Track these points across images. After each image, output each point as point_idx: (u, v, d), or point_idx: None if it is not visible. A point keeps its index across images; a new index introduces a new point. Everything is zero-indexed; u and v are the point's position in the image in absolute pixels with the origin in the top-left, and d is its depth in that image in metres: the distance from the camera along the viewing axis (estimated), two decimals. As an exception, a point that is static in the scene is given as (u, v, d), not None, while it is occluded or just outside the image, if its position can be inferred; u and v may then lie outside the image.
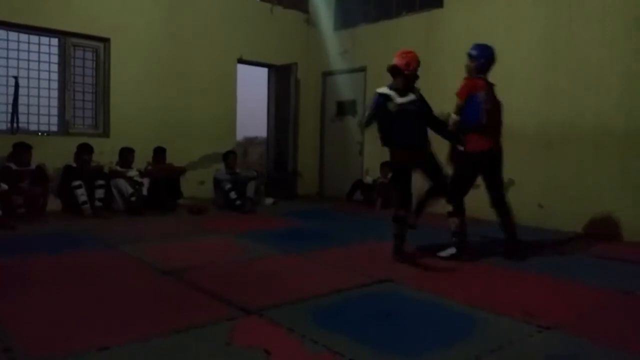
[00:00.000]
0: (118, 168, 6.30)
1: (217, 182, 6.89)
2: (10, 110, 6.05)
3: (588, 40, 5.41)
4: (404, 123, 3.92)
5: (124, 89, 6.65)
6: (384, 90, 3.95)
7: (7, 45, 6.09)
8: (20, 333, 2.34)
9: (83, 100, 6.61)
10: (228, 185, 6.72)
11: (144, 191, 6.31)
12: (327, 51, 8.43)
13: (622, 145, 5.17)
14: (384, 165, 7.32)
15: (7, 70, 6.08)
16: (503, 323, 2.66)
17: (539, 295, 3.24)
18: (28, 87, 6.22)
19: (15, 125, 6.08)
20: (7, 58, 6.08)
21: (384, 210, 6.98)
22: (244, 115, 8.32)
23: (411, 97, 3.96)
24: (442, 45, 6.76)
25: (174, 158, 6.82)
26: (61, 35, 6.32)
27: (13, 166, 5.60)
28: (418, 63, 3.97)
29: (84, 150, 6.06)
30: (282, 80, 8.38)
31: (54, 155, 6.08)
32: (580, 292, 3.34)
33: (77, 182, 5.78)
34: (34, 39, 6.23)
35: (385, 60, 7.43)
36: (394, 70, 3.95)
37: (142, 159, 6.52)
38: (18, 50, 6.15)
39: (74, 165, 6.02)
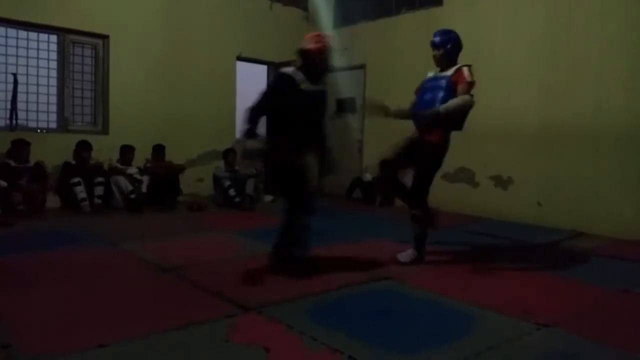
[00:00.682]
0: (118, 165, 6.30)
1: (217, 180, 6.89)
2: (9, 107, 6.04)
3: (588, 38, 5.41)
4: (303, 114, 3.37)
5: (123, 86, 6.64)
6: (289, 71, 3.40)
7: (6, 42, 6.07)
8: (19, 330, 2.34)
9: (82, 97, 6.60)
10: (227, 183, 6.72)
11: (144, 188, 6.30)
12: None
13: (622, 143, 5.17)
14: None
15: (6, 67, 6.06)
16: (501, 321, 2.66)
17: (538, 293, 3.24)
18: (27, 84, 6.21)
19: (14, 121, 6.07)
20: (6, 55, 6.07)
21: (383, 208, 7.00)
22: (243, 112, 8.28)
23: (321, 86, 3.49)
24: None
25: (173, 155, 6.81)
26: (60, 32, 6.30)
27: (12, 163, 5.59)
28: (322, 52, 3.40)
29: (83, 148, 6.05)
30: (281, 78, 8.34)
31: (53, 152, 6.07)
32: (578, 290, 3.34)
33: (76, 179, 5.78)
34: (33, 35, 6.22)
35: (384, 58, 7.51)
36: (302, 54, 3.41)
37: (141, 156, 6.52)
38: (17, 47, 6.14)
39: (73, 162, 6.01)
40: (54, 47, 6.35)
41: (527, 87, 5.92)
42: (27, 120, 6.27)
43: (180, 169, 6.87)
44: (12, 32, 6.08)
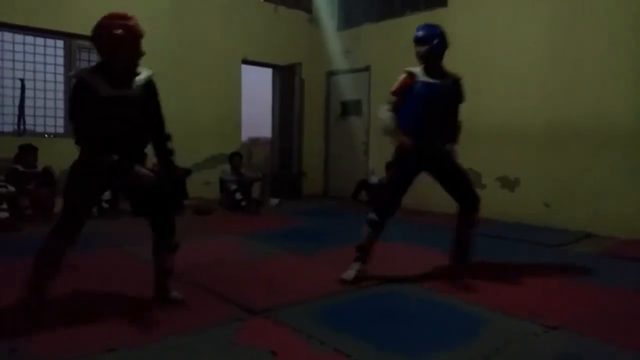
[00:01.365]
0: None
1: (223, 183, 6.91)
2: (16, 112, 6.10)
3: (593, 38, 5.38)
4: (111, 127, 2.59)
5: (129, 90, 6.66)
6: (83, 75, 2.61)
7: (13, 48, 6.13)
8: (27, 333, 2.35)
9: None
10: (233, 186, 6.73)
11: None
12: (331, 51, 8.43)
13: (629, 142, 5.13)
14: (389, 165, 7.32)
15: (14, 72, 6.12)
16: (509, 323, 2.65)
17: (546, 294, 3.22)
18: (34, 89, 6.26)
19: (21, 127, 6.12)
20: (13, 60, 6.12)
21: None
22: (249, 116, 8.32)
23: (128, 91, 2.65)
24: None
25: (179, 159, 6.78)
26: (66, 37, 6.35)
27: (20, 168, 5.62)
28: (138, 36, 2.65)
29: (90, 152, 6.07)
30: (286, 81, 8.38)
31: (61, 157, 6.07)
32: (587, 291, 3.32)
33: (83, 184, 5.80)
34: (40, 41, 6.27)
35: (389, 60, 7.50)
36: (99, 44, 2.62)
37: (148, 160, 6.53)
38: (24, 52, 6.18)
39: (81, 166, 6.04)
40: (60, 52, 6.40)
41: (532, 87, 5.90)
42: (34, 125, 6.32)
43: (187, 172, 6.89)
44: (19, 37, 6.13)
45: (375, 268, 3.75)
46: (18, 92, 6.10)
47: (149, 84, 2.77)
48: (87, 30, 7.00)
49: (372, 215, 3.48)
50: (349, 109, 8.35)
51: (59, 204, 5.85)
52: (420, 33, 3.45)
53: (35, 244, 4.48)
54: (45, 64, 6.31)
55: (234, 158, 7.03)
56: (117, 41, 2.52)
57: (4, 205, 5.05)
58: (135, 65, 2.67)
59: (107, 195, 5.99)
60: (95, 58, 6.58)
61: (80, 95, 2.55)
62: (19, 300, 2.62)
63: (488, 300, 3.00)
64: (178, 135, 7.12)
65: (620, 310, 2.95)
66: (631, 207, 5.11)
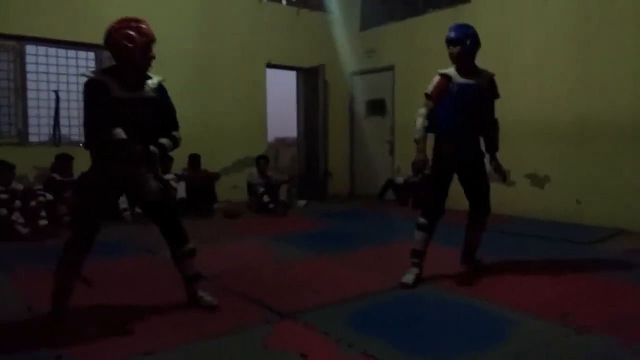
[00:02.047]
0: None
1: (251, 186, 7.02)
2: (52, 122, 6.34)
3: (623, 30, 5.25)
4: (124, 128, 2.54)
5: (157, 98, 6.84)
6: (96, 76, 2.69)
7: (47, 61, 6.37)
8: (70, 339, 2.47)
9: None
10: (261, 189, 6.83)
11: (179, 194, 6.45)
12: (354, 51, 8.45)
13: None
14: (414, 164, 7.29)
15: (48, 84, 6.36)
16: (539, 324, 2.64)
17: (577, 295, 3.19)
18: (68, 100, 6.49)
19: (57, 136, 6.36)
20: (48, 73, 6.36)
21: (416, 209, 6.97)
22: (275, 116, 8.44)
23: (141, 93, 2.71)
24: (471, 41, 6.69)
25: (208, 164, 6.97)
26: (97, 49, 6.56)
27: (57, 177, 5.85)
28: (149, 38, 2.65)
29: (123, 159, 6.26)
30: (310, 82, 8.44)
31: (95, 165, 6.31)
32: (619, 291, 3.26)
33: (117, 190, 5.99)
34: (72, 53, 6.49)
35: (413, 59, 7.47)
36: (113, 48, 2.66)
37: (177, 165, 6.69)
38: (57, 65, 6.42)
39: (114, 174, 6.23)
40: (92, 63, 6.61)
41: (561, 82, 5.79)
42: (69, 135, 6.55)
43: (216, 176, 7.04)
44: (52, 51, 6.37)
45: (401, 270, 3.77)
46: (53, 104, 6.34)
47: (160, 87, 2.81)
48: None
49: (422, 220, 3.49)
50: (374, 108, 8.36)
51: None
52: (453, 34, 3.40)
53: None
54: (77, 75, 6.54)
55: (261, 161, 7.13)
56: (129, 43, 2.57)
57: (43, 213, 5.25)
58: (146, 68, 2.70)
59: (139, 200, 6.17)
60: (124, 68, 6.80)
61: (92, 94, 2.57)
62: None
63: (517, 301, 2.99)
64: (206, 139, 7.35)
65: (653, 310, 2.90)
66: (666, 203, 4.98)
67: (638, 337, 2.47)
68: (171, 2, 7.00)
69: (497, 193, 6.37)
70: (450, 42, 3.41)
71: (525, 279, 3.56)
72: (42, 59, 6.33)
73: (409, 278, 3.38)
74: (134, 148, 2.52)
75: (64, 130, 6.47)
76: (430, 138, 3.51)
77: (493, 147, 3.67)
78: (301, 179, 8.56)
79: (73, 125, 6.56)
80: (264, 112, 8.02)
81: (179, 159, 6.73)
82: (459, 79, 3.41)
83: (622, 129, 5.28)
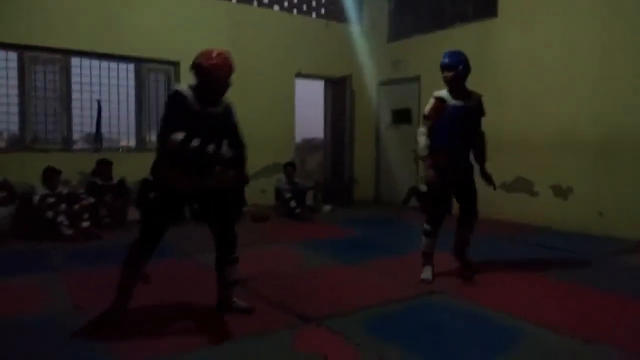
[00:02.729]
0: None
1: (279, 192, 7.28)
2: (94, 130, 6.77)
3: (649, 46, 5.30)
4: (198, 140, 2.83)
5: (192, 107, 7.18)
6: (183, 88, 2.98)
7: (90, 72, 6.78)
8: (116, 337, 2.75)
9: (157, 119, 7.21)
10: (288, 195, 7.09)
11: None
12: (381, 62, 8.64)
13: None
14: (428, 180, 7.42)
15: (91, 95, 6.77)
16: (549, 336, 2.78)
17: (589, 308, 3.30)
18: (109, 109, 6.89)
19: (99, 143, 6.77)
20: (91, 84, 6.77)
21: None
22: (304, 118, 8.73)
23: (217, 110, 3.06)
24: (497, 55, 6.79)
25: (238, 170, 7.26)
26: (137, 61, 6.95)
27: (98, 181, 6.23)
28: (231, 69, 3.05)
29: (159, 165, 6.61)
30: (338, 92, 8.67)
31: (133, 170, 6.68)
32: (632, 305, 3.37)
33: (154, 194, 6.33)
34: (114, 65, 6.89)
35: (439, 70, 7.59)
36: (199, 71, 2.98)
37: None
38: (100, 76, 6.83)
39: (151, 178, 6.57)
40: (132, 75, 7.00)
41: (586, 96, 5.85)
42: (110, 141, 6.96)
43: (246, 181, 7.31)
44: (95, 63, 6.78)
45: (420, 278, 3.95)
46: (96, 113, 6.75)
47: (230, 108, 3.22)
48: (154, 55, 7.68)
49: (427, 227, 4.01)
50: (400, 117, 8.52)
51: (132, 214, 6.48)
52: (447, 60, 3.83)
53: (115, 251, 5.00)
54: (118, 86, 6.94)
55: (289, 168, 7.39)
56: (215, 72, 2.95)
57: (86, 216, 5.62)
58: (224, 91, 3.09)
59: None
60: (160, 78, 7.18)
61: (176, 103, 2.91)
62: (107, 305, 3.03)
63: (530, 313, 3.13)
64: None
65: (664, 326, 3.00)
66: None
67: (644, 351, 2.60)
68: (205, 17, 7.33)
69: (521, 203, 6.51)
70: (444, 67, 3.84)
71: (539, 291, 3.69)
72: (85, 71, 6.74)
73: (427, 275, 3.91)
74: (207, 150, 2.83)
75: (105, 137, 6.87)
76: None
77: (482, 159, 4.12)
78: (327, 184, 8.79)
79: (114, 132, 6.96)
80: (293, 120, 8.29)
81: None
82: (451, 101, 3.83)
83: (646, 143, 5.31)
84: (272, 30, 7.94)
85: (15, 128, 6.30)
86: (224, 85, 3.04)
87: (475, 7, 7.22)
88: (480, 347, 2.67)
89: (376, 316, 3.12)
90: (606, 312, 3.24)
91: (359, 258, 4.68)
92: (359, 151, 8.90)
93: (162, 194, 3.02)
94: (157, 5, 6.92)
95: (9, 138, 6.42)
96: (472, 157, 4.07)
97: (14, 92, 6.22)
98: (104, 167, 6.33)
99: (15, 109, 6.24)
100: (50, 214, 5.39)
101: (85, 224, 5.56)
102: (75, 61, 6.62)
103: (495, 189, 4.22)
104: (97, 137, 6.80)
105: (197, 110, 2.93)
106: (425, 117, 3.90)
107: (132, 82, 7.01)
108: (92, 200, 5.87)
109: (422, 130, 3.90)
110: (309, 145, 11.01)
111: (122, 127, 7.04)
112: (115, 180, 6.40)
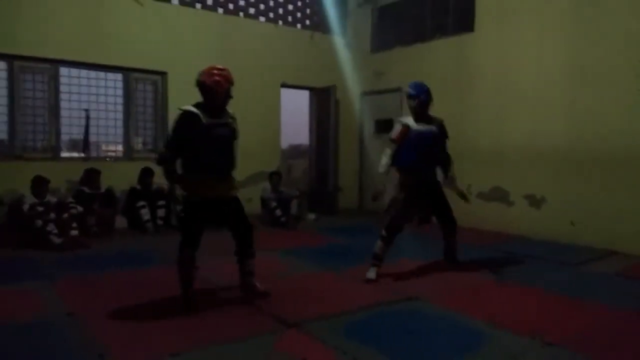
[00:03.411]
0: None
1: (264, 201, 7.45)
2: (82, 139, 6.88)
3: (614, 65, 5.59)
4: (210, 149, 3.44)
5: (179, 116, 7.33)
6: (190, 108, 3.42)
7: (79, 82, 6.89)
8: (109, 341, 2.91)
9: (145, 128, 7.36)
10: (274, 204, 7.26)
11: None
12: (364, 73, 8.89)
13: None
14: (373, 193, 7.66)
15: (79, 104, 6.89)
16: (511, 338, 3.01)
17: (553, 312, 3.54)
18: (97, 117, 7.01)
19: (86, 152, 6.89)
20: (80, 93, 6.89)
21: (421, 226, 7.33)
22: (289, 124, 8.98)
23: (223, 119, 3.55)
24: (473, 67, 7.08)
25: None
26: (125, 70, 7.09)
27: (86, 190, 6.34)
28: (230, 83, 3.49)
29: (147, 174, 6.75)
30: (322, 101, 8.88)
31: (120, 178, 6.82)
32: (593, 310, 3.61)
33: (141, 203, 6.48)
34: (101, 75, 7.02)
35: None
36: (203, 88, 3.44)
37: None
38: (88, 85, 6.95)
39: (138, 187, 6.72)
40: (119, 84, 7.14)
41: (556, 109, 6.14)
42: (97, 150, 7.07)
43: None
44: (83, 72, 6.90)
45: (398, 285, 4.17)
46: (84, 122, 6.87)
47: (233, 117, 3.68)
48: (142, 64, 7.87)
49: (384, 233, 4.41)
50: (382, 127, 8.76)
51: (119, 222, 6.59)
52: (412, 90, 4.40)
53: (103, 259, 5.14)
54: (106, 95, 7.06)
55: (274, 177, 7.57)
56: (217, 88, 3.42)
57: (75, 224, 5.73)
58: (226, 104, 3.56)
59: (161, 212, 6.65)
60: (147, 87, 7.32)
61: (183, 122, 3.38)
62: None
63: (497, 317, 3.35)
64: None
65: (621, 329, 3.24)
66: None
67: (600, 353, 2.82)
68: (192, 28, 7.50)
69: (497, 212, 6.78)
70: (409, 96, 4.41)
71: (508, 296, 3.93)
72: (74, 80, 6.85)
73: (372, 275, 4.30)
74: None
75: (92, 146, 6.99)
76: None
77: (448, 177, 4.70)
78: (312, 192, 8.99)
79: (101, 141, 7.08)
80: (278, 129, 8.48)
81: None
82: (415, 126, 4.38)
83: (614, 154, 5.60)
84: (258, 40, 8.14)
85: (3, 137, 6.39)
86: (225, 98, 3.51)
87: (453, 21, 7.50)
88: (448, 349, 2.88)
89: (355, 321, 3.31)
90: (568, 316, 3.47)
91: (340, 265, 4.88)
92: (343, 160, 9.12)
93: (193, 202, 3.50)
94: (145, 16, 7.07)
95: (-3, 147, 6.52)
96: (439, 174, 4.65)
97: (3, 101, 6.32)
98: (91, 176, 6.44)
99: (4, 118, 6.33)
100: (39, 223, 5.49)
101: (74, 232, 5.66)
102: (63, 70, 6.73)
103: (468, 201, 4.71)
104: (84, 145, 6.92)
105: (207, 124, 3.40)
106: (392, 140, 4.44)
107: (119, 92, 7.14)
108: (80, 208, 5.98)
109: (388, 151, 4.46)
110: (295, 151, 11.21)
111: (109, 136, 7.16)
112: (103, 188, 6.52)
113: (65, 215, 5.71)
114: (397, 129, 4.44)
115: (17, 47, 6.24)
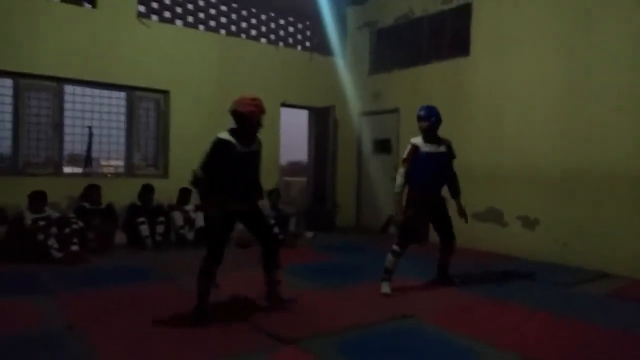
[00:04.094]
0: (175, 204, 7.07)
1: (262, 218, 7.54)
2: (85, 155, 7.00)
3: (605, 90, 5.75)
4: (240, 173, 3.79)
5: (181, 134, 7.47)
6: (225, 136, 3.71)
7: (83, 99, 7.04)
8: (108, 354, 2.98)
9: (146, 145, 7.49)
10: (272, 221, 7.34)
11: (198, 224, 6.99)
12: (362, 94, 9.07)
13: (637, 188, 5.44)
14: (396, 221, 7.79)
15: (83, 121, 7.02)
16: (501, 356, 3.09)
17: (540, 331, 3.62)
18: (100, 135, 7.14)
19: (88, 168, 7.00)
20: (83, 110, 7.03)
21: (415, 244, 7.42)
22: (290, 142, 9.12)
23: (253, 147, 3.85)
24: (468, 90, 7.25)
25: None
26: (128, 89, 7.24)
27: (87, 205, 6.44)
28: (262, 112, 3.80)
29: (147, 190, 6.86)
30: (321, 121, 9.05)
31: (121, 194, 6.91)
32: (582, 330, 3.69)
33: (141, 219, 6.57)
34: (105, 93, 7.17)
35: (416, 102, 8.03)
36: (238, 116, 3.75)
37: (197, 197, 7.26)
38: (92, 103, 7.09)
39: (138, 203, 6.82)
40: (122, 102, 7.28)
41: (549, 133, 6.29)
42: (99, 166, 7.18)
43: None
44: (87, 90, 7.05)
45: (393, 303, 4.25)
46: (86, 139, 7.00)
47: (260, 142, 3.96)
48: (145, 83, 8.01)
49: (396, 247, 4.65)
50: (380, 147, 8.91)
51: (119, 237, 6.67)
52: (423, 112, 4.72)
53: (102, 274, 5.20)
54: (109, 112, 7.21)
55: (272, 194, 7.66)
56: (251, 117, 3.72)
57: (75, 239, 5.81)
58: (257, 131, 3.83)
59: (160, 228, 6.73)
60: (150, 106, 7.46)
61: (218, 149, 3.66)
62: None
63: (488, 336, 3.44)
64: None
65: (604, 349, 3.33)
66: (642, 248, 5.38)
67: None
68: (195, 48, 7.68)
69: (491, 232, 6.88)
70: (420, 118, 4.71)
71: (500, 316, 4.01)
72: (78, 98, 7.00)
73: (386, 290, 4.53)
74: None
75: (94, 162, 7.11)
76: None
77: (456, 194, 4.98)
78: (310, 210, 9.09)
79: (103, 157, 7.19)
80: (277, 148, 8.62)
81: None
82: (424, 147, 4.65)
83: (603, 178, 5.73)
84: (258, 61, 8.32)
85: (7, 152, 6.50)
86: (257, 126, 3.79)
87: (449, 45, 7.69)
88: (440, 367, 2.96)
89: (351, 339, 3.39)
90: (557, 335, 3.56)
91: (337, 283, 4.96)
92: (341, 178, 9.25)
93: (221, 214, 3.72)
94: (148, 36, 7.25)
95: (1, 162, 6.61)
96: (444, 191, 4.87)
97: (8, 117, 6.45)
98: (92, 191, 6.54)
99: (8, 134, 6.45)
100: (41, 237, 5.58)
101: (75, 247, 5.74)
102: (68, 88, 6.88)
103: (467, 221, 4.93)
104: (87, 162, 7.03)
105: (241, 151, 3.71)
106: (404, 160, 4.70)
107: (122, 109, 7.28)
108: (81, 224, 6.06)
109: (401, 170, 4.70)
110: (294, 168, 11.32)
111: (111, 153, 7.28)
112: (104, 204, 6.62)
113: (67, 230, 5.79)
114: (407, 149, 4.72)
115: (22, 65, 6.39)
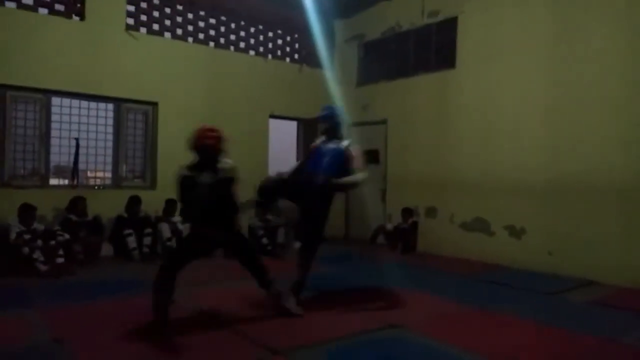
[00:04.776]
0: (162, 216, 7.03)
1: (251, 229, 7.53)
2: (71, 167, 6.95)
3: (590, 103, 5.87)
4: (208, 203, 3.95)
5: (169, 146, 7.44)
6: (184, 172, 3.96)
7: (70, 111, 7.01)
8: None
9: (134, 157, 7.46)
10: (261, 232, 7.35)
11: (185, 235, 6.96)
12: (350, 105, 9.12)
13: (623, 197, 5.54)
14: (405, 211, 7.84)
15: (70, 132, 6.99)
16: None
17: (529, 340, 3.66)
18: (87, 147, 7.11)
19: (75, 180, 6.95)
20: (70, 122, 6.99)
21: (405, 254, 7.46)
22: (278, 152, 9.13)
23: (220, 175, 4.02)
24: (455, 101, 7.36)
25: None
26: (116, 101, 7.23)
27: (73, 217, 6.38)
28: (222, 142, 4.09)
29: (134, 202, 6.82)
30: (310, 132, 9.08)
31: (108, 206, 6.87)
32: (569, 339, 3.74)
33: (128, 231, 6.53)
34: (93, 104, 7.15)
35: (403, 115, 8.14)
36: (200, 150, 3.99)
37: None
38: (79, 115, 7.06)
39: (125, 215, 6.77)
40: (110, 114, 7.26)
41: (535, 144, 6.39)
42: (86, 178, 7.13)
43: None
44: (75, 102, 7.02)
45: (382, 313, 4.26)
46: (73, 150, 6.96)
47: (231, 170, 4.10)
48: (134, 95, 8.00)
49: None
50: (368, 158, 8.95)
51: (105, 250, 6.61)
52: (325, 113, 5.00)
53: (88, 287, 5.15)
54: (97, 124, 7.18)
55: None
56: (209, 148, 3.96)
57: (61, 252, 5.75)
58: (217, 159, 4.02)
59: (147, 240, 6.69)
60: (138, 117, 7.45)
61: (183, 183, 3.89)
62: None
63: (477, 346, 3.46)
64: (211, 185, 7.80)
65: (590, 355, 3.38)
66: (630, 257, 5.46)
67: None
68: (184, 60, 7.71)
69: (479, 242, 6.94)
70: (322, 119, 5.04)
71: (489, 326, 4.04)
72: (65, 110, 6.96)
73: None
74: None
75: (81, 174, 7.06)
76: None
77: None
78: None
79: (90, 169, 7.15)
80: (266, 159, 8.63)
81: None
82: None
83: (588, 188, 5.83)
84: (247, 73, 8.37)
85: (-7, 164, 6.44)
86: (216, 156, 3.99)
87: (436, 58, 7.81)
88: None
89: (339, 348, 3.40)
90: (543, 343, 3.60)
91: (325, 293, 4.96)
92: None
93: (195, 236, 4.00)
94: (138, 48, 7.26)
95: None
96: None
97: (-6, 129, 6.40)
98: (78, 203, 6.48)
99: (-6, 146, 6.40)
100: (26, 250, 5.52)
101: (60, 260, 5.68)
102: (55, 100, 6.84)
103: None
104: (73, 173, 6.98)
105: (204, 182, 3.90)
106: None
107: (110, 121, 7.26)
108: (67, 236, 6.00)
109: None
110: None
111: (98, 165, 7.24)
112: (90, 216, 6.56)
113: (53, 242, 5.73)
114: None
115: (10, 77, 6.36)
